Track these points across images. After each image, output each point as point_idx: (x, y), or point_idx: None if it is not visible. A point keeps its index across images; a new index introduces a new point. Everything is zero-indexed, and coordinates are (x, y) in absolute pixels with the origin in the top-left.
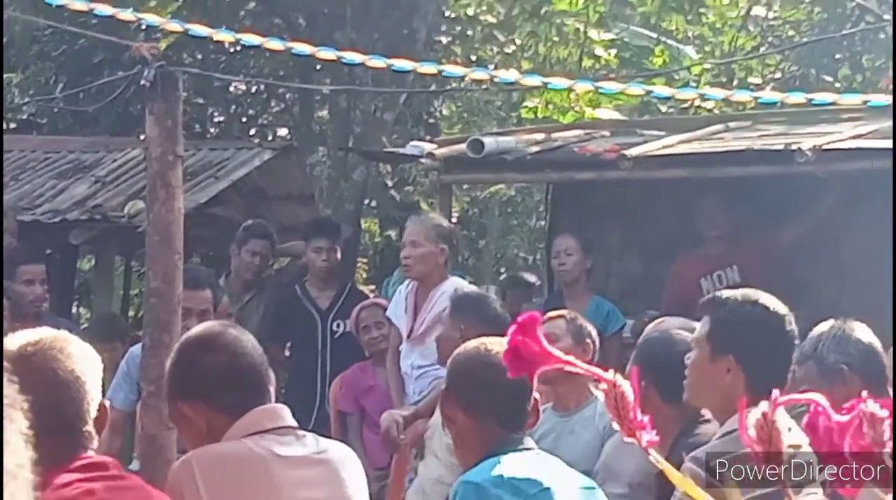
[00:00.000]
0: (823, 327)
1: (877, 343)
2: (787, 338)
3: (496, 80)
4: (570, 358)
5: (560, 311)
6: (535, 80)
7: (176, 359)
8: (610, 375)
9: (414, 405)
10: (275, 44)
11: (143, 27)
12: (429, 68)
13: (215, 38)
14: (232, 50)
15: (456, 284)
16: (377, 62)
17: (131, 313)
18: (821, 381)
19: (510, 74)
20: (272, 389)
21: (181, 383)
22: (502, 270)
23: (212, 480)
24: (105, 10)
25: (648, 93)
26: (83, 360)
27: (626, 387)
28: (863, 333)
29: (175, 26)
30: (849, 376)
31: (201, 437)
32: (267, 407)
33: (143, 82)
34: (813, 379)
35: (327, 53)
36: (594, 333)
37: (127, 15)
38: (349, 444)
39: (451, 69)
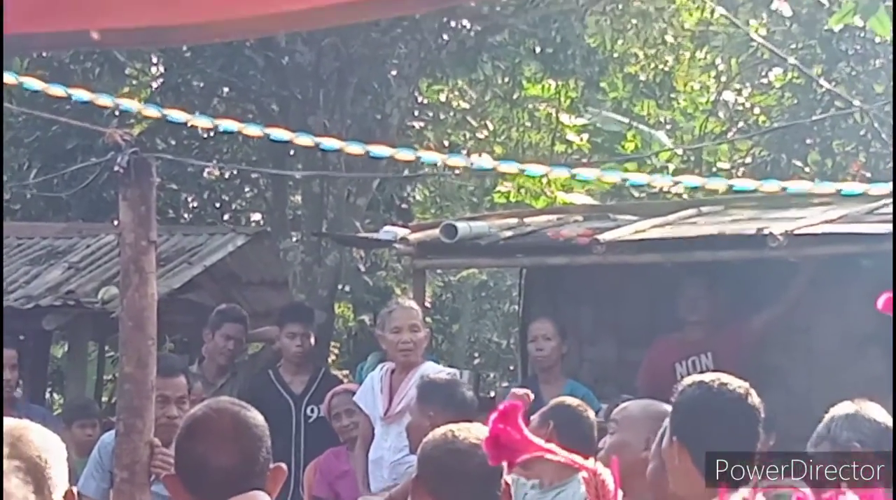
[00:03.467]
0: (838, 408)
1: (890, 423)
2: (738, 417)
3: (472, 166)
4: (551, 446)
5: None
6: (511, 167)
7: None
8: (590, 463)
9: (387, 491)
10: (252, 130)
11: (117, 113)
12: (406, 155)
13: (192, 123)
14: (205, 135)
15: (432, 367)
16: (355, 148)
17: (104, 399)
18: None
19: (486, 161)
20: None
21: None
22: (476, 354)
23: None
24: (83, 95)
25: (624, 180)
26: (45, 447)
27: (607, 475)
28: (876, 413)
29: (152, 111)
30: (861, 454)
31: None
32: (244, 496)
33: (116, 168)
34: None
35: (304, 139)
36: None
37: (105, 100)
38: None
39: (427, 156)
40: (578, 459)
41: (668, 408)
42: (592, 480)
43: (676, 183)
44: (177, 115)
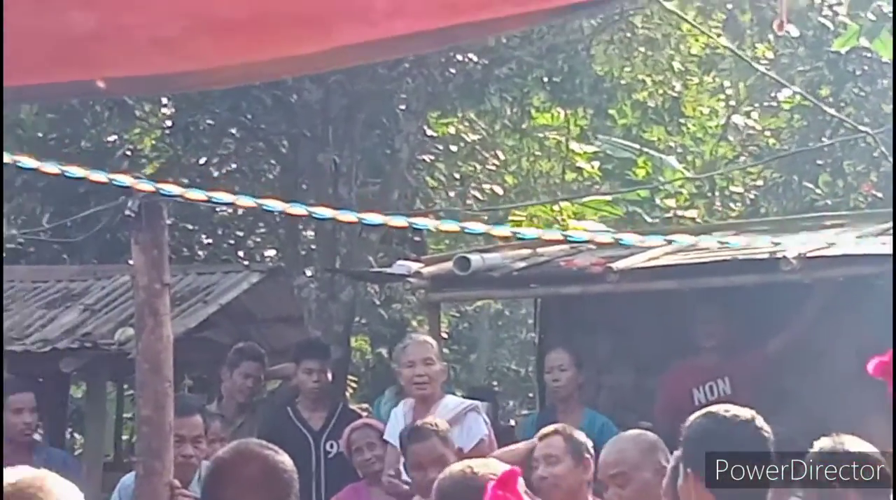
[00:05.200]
0: (818, 443)
1: (871, 451)
2: (743, 443)
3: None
4: None
5: (555, 425)
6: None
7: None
8: None
9: None
10: (245, 201)
11: (129, 153)
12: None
13: (187, 196)
14: (216, 174)
15: (452, 401)
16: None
17: (125, 437)
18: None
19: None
20: None
21: None
22: (494, 382)
23: None
24: (76, 172)
25: (617, 239)
26: (63, 496)
27: None
28: (853, 444)
29: (146, 186)
30: (841, 493)
31: None
32: None
33: (127, 213)
34: (813, 496)
35: (298, 209)
36: (590, 446)
37: (98, 176)
38: None
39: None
40: None
41: (654, 436)
42: None
43: (669, 241)
44: (171, 188)
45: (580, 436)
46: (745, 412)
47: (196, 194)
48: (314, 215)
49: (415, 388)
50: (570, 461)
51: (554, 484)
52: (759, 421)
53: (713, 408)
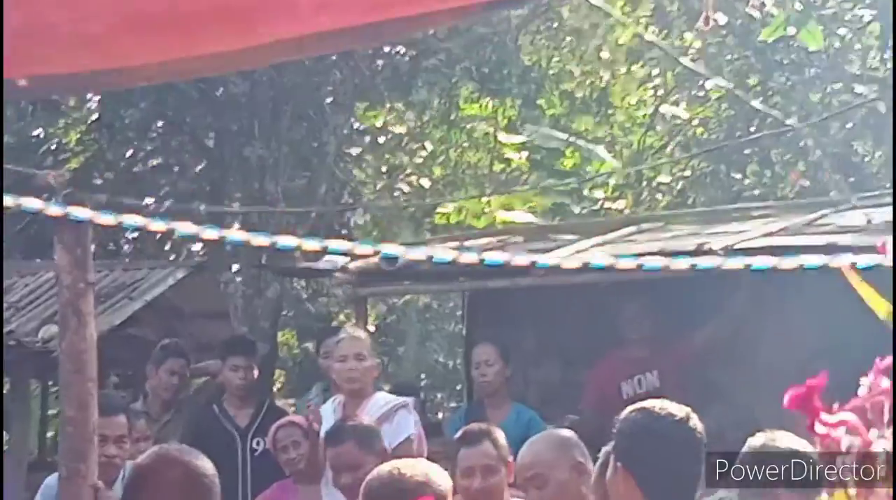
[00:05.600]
0: (751, 440)
1: (801, 447)
2: (677, 441)
3: (328, 250)
4: None
5: (481, 428)
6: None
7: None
8: None
9: None
10: (210, 233)
11: (53, 147)
12: (366, 249)
13: (149, 228)
14: (141, 168)
15: (383, 397)
16: (312, 245)
17: (50, 434)
18: (751, 497)
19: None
20: None
21: None
22: (422, 375)
23: None
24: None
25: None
26: None
27: None
28: (784, 440)
29: (56, 210)
30: (773, 491)
31: None
32: None
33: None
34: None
35: (261, 239)
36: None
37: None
38: None
39: (390, 250)
40: None
41: (568, 434)
42: None
43: (639, 266)
44: (80, 212)
45: (503, 438)
46: (680, 410)
47: (158, 225)
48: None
49: (345, 383)
50: (502, 468)
51: (489, 493)
52: (694, 420)
53: (647, 403)
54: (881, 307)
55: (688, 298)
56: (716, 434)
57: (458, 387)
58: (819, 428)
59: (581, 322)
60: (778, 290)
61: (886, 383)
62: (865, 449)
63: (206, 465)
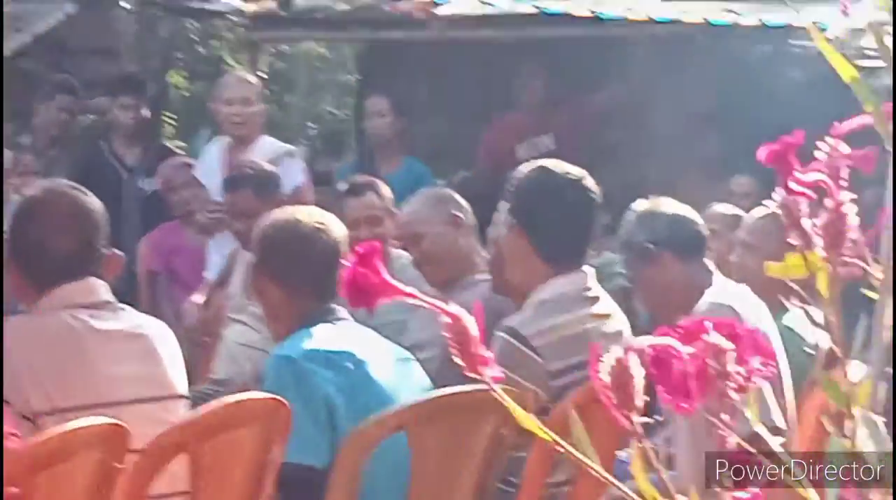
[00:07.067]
0: (635, 205)
1: (684, 212)
2: (572, 200)
3: None
4: (412, 290)
5: (364, 180)
6: None
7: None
8: (453, 308)
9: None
10: None
11: None
12: None
13: None
14: None
15: (269, 142)
16: None
17: None
18: (639, 264)
19: None
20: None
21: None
22: (311, 125)
23: (23, 350)
24: None
25: None
26: None
27: (471, 323)
28: (668, 206)
29: None
30: (656, 254)
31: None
32: (79, 283)
33: None
34: (633, 264)
35: None
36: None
37: None
38: (158, 304)
39: None
40: (440, 304)
41: (444, 190)
42: (454, 326)
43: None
44: None
45: (387, 190)
46: (576, 170)
47: None
48: None
49: (231, 127)
50: (386, 219)
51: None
52: (588, 180)
53: (544, 161)
54: (846, 71)
55: (585, 61)
56: (607, 197)
57: (349, 138)
58: (793, 185)
59: (477, 80)
60: (674, 55)
61: (844, 148)
62: (837, 210)
63: (94, 201)
